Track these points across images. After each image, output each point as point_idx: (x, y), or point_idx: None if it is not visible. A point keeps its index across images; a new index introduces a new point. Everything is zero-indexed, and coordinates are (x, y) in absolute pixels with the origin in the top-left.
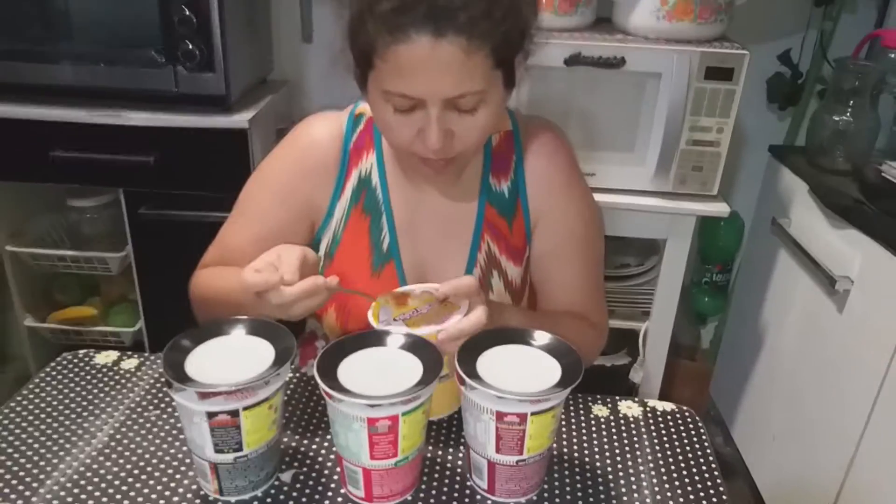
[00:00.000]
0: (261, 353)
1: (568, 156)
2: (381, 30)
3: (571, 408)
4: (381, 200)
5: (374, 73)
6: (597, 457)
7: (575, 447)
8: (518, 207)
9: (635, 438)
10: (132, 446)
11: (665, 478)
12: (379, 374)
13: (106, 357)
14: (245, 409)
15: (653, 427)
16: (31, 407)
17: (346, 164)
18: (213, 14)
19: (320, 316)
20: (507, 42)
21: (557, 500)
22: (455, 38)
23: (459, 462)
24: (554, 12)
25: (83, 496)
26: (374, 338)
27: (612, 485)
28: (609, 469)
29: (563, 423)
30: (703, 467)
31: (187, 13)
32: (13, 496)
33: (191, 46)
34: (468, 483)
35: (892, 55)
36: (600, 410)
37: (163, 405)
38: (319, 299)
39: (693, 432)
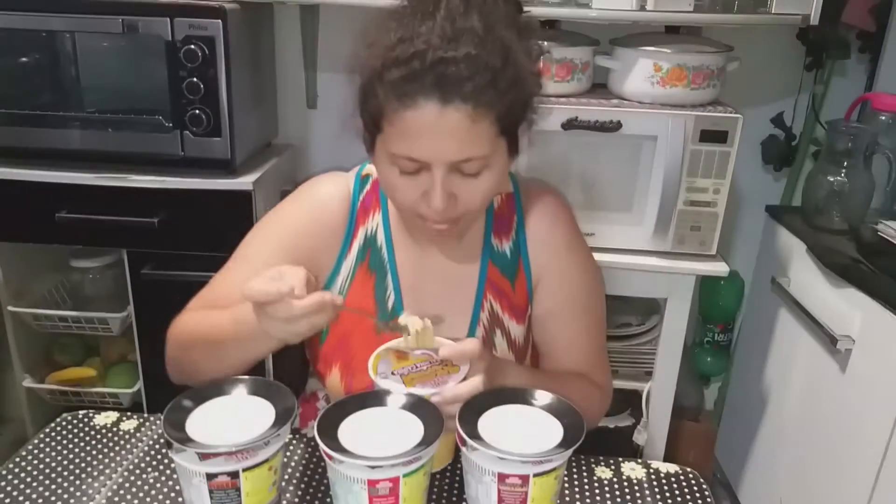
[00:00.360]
0: (261, 413)
1: (569, 218)
2: (390, 96)
3: (574, 469)
4: (386, 259)
5: (381, 136)
6: None
7: None
8: (520, 267)
9: (639, 501)
10: None
11: None
12: (380, 435)
13: (105, 418)
14: (245, 470)
15: (657, 490)
16: (29, 468)
17: (354, 223)
18: (221, 80)
19: (324, 376)
20: (510, 111)
21: None
22: (461, 105)
23: None
24: (551, 79)
25: None
26: (375, 398)
27: None
28: None
29: (566, 485)
30: None
31: (195, 80)
32: None
33: (198, 112)
34: None
35: (883, 117)
36: (603, 472)
37: (161, 467)
38: (326, 317)
39: (698, 495)
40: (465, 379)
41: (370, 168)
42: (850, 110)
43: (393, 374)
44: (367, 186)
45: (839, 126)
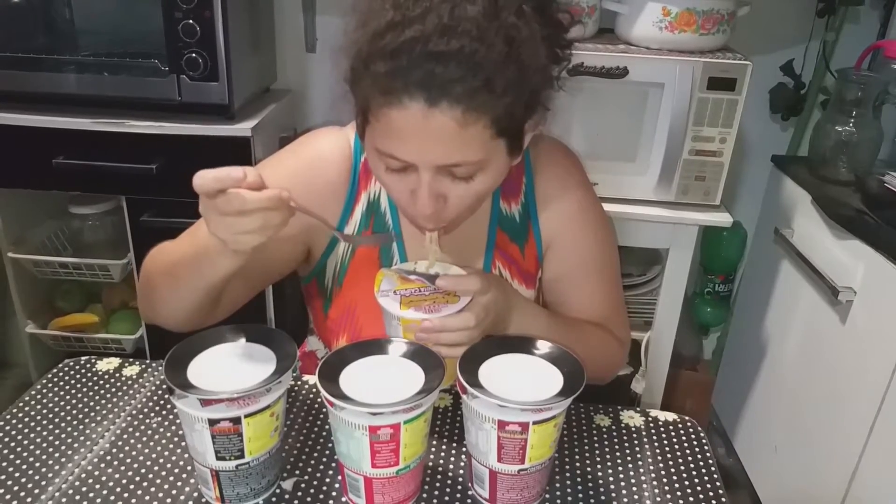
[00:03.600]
0: (262, 360)
1: (580, 176)
2: (375, 90)
3: (573, 417)
4: (391, 226)
5: (368, 127)
6: (598, 467)
7: (577, 457)
8: (529, 231)
9: (637, 449)
10: (133, 453)
11: (667, 488)
12: (381, 382)
13: (108, 364)
14: (247, 416)
15: (655, 437)
16: (32, 413)
17: (356, 187)
18: (217, 23)
19: (331, 344)
20: (509, 112)
21: None
22: (449, 108)
23: (461, 471)
24: None
25: (84, 502)
26: (377, 346)
27: (613, 495)
28: (611, 479)
29: (565, 432)
30: (706, 478)
31: (191, 22)
32: (14, 502)
33: (194, 56)
34: (469, 492)
35: (895, 66)
36: (602, 420)
37: (164, 412)
38: (280, 217)
39: (695, 443)
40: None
41: None
42: (861, 58)
43: (395, 293)
44: None
45: (850, 74)
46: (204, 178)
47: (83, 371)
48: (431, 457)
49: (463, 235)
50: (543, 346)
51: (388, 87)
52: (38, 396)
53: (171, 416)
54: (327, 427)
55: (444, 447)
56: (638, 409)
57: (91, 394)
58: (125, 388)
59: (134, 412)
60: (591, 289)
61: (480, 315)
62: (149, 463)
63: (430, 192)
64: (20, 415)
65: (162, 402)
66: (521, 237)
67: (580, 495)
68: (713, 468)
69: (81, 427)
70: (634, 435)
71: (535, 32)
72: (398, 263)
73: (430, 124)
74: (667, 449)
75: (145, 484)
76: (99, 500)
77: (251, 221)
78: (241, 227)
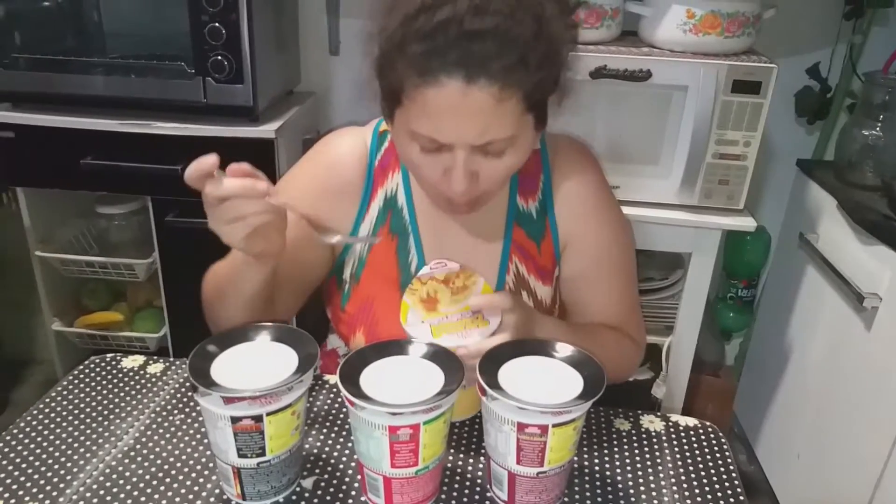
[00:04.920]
0: (285, 359)
1: (597, 174)
2: (411, 71)
3: (593, 421)
4: (407, 221)
5: (401, 109)
6: (618, 471)
7: (596, 460)
8: (547, 228)
9: (657, 453)
10: (157, 449)
11: (687, 494)
12: (401, 383)
13: (132, 361)
14: (269, 414)
15: (675, 442)
16: (58, 409)
17: (372, 184)
18: (243, 26)
19: (348, 339)
20: (540, 87)
21: None
22: (487, 85)
23: (480, 472)
24: (580, 25)
25: (108, 498)
26: (397, 347)
27: (632, 499)
28: (630, 483)
29: (585, 435)
30: (727, 484)
31: (217, 25)
32: (41, 496)
33: (220, 58)
34: (488, 494)
35: None
36: (622, 424)
37: (187, 409)
38: (255, 207)
39: (716, 449)
40: (493, 334)
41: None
42: (889, 62)
43: (423, 322)
44: (385, 144)
45: (877, 78)
46: (187, 171)
47: (108, 368)
48: (450, 458)
49: (480, 231)
50: (564, 349)
51: (425, 67)
52: (64, 393)
53: (193, 414)
54: (347, 426)
55: (462, 449)
56: (658, 413)
57: (116, 391)
58: (149, 385)
59: (157, 409)
60: (609, 287)
61: (513, 335)
62: (172, 459)
63: (465, 169)
64: (46, 410)
65: (185, 399)
66: (537, 233)
67: (599, 499)
68: (734, 475)
69: (106, 423)
70: (654, 440)
71: (554, 11)
72: (415, 261)
73: (468, 101)
74: (687, 454)
75: (168, 480)
76: (123, 496)
77: (227, 210)
78: (221, 215)
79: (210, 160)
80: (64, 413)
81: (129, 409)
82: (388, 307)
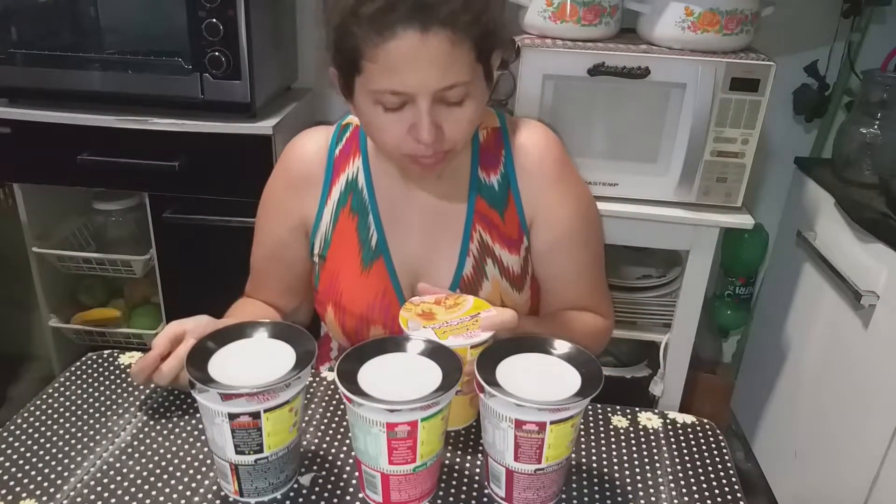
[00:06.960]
0: (282, 356)
1: (558, 150)
2: (369, 31)
3: (591, 418)
4: (367, 200)
5: (360, 77)
6: (615, 468)
7: (594, 457)
8: (510, 198)
9: (655, 450)
10: (154, 446)
11: (684, 491)
12: (399, 380)
13: (130, 357)
14: (266, 411)
15: (672, 439)
16: (55, 406)
17: (332, 171)
18: (240, 22)
19: (322, 316)
20: (486, 35)
21: None
22: (440, 30)
23: (477, 469)
24: (578, 22)
25: (105, 494)
26: (394, 343)
27: (630, 496)
28: (628, 480)
29: (582, 432)
30: (724, 481)
31: (214, 21)
32: (38, 493)
33: (217, 54)
34: (486, 491)
35: None
36: (620, 421)
37: (185, 406)
38: (141, 376)
39: (714, 446)
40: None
41: (351, 118)
42: (887, 60)
43: (425, 328)
44: (347, 134)
45: (875, 76)
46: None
47: (105, 365)
48: (448, 455)
49: (441, 204)
50: (562, 346)
51: (382, 22)
52: (61, 389)
53: (191, 410)
54: (345, 423)
55: (460, 445)
56: (656, 410)
57: (113, 387)
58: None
59: (155, 406)
60: (579, 263)
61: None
62: (169, 456)
63: (430, 119)
64: (43, 407)
65: (183, 395)
66: (500, 203)
67: (597, 496)
68: (731, 472)
69: (103, 420)
70: (652, 437)
71: None
72: (375, 236)
73: (426, 48)
74: (685, 451)
75: (165, 476)
76: (120, 492)
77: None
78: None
79: (152, 357)
80: (61, 410)
81: (126, 405)
82: (351, 281)
